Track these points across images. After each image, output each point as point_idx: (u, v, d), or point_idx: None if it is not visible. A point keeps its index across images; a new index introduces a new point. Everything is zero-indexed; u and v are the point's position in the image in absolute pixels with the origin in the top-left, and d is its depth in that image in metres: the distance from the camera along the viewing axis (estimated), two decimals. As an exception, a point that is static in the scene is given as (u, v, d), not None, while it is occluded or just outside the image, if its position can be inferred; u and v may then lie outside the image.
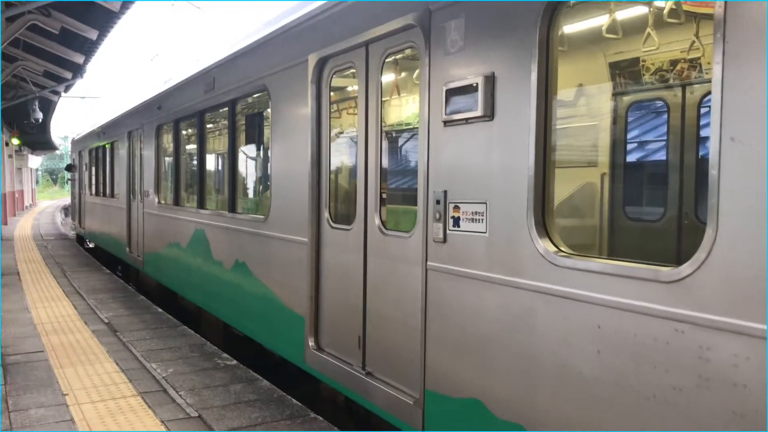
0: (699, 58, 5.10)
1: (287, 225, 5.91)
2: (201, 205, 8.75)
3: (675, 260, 2.61)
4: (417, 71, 4.94)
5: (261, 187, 7.67)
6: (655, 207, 5.80)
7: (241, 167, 8.03)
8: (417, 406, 4.13)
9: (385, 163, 4.74)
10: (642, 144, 6.59)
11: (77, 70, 19.38)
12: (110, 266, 15.22)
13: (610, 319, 2.85)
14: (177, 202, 9.82)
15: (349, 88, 5.93)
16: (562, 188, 4.97)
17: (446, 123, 3.85)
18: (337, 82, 5.45)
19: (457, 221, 3.79)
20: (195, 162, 9.25)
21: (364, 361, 4.82)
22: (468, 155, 3.71)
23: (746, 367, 2.34)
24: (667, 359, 2.60)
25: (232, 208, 7.54)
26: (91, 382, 6.14)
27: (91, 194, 17.98)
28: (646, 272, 2.71)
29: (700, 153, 5.37)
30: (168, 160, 10.61)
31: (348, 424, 5.45)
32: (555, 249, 3.17)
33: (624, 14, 4.73)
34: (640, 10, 4.72)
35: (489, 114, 3.52)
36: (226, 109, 7.72)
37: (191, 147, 9.76)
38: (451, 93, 3.79)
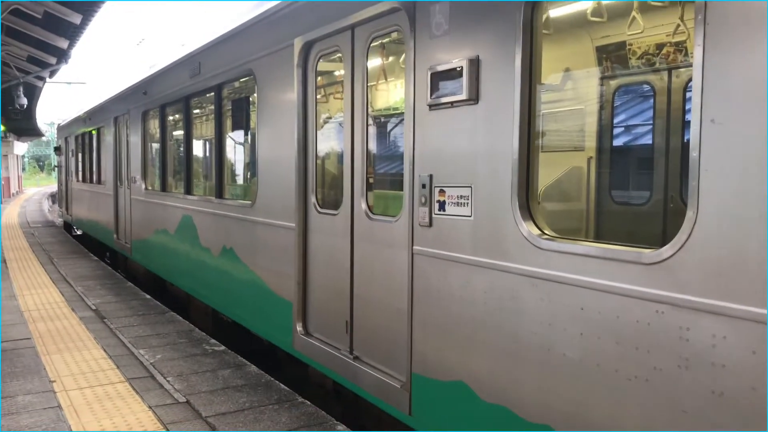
0: (684, 41, 5.11)
1: (274, 210, 5.90)
2: (188, 191, 8.71)
3: (660, 244, 2.62)
4: (403, 55, 4.93)
5: (248, 172, 7.64)
6: (642, 191, 5.83)
7: (228, 153, 7.99)
8: (404, 389, 4.16)
9: (372, 147, 4.73)
10: (629, 128, 6.62)
11: (62, 55, 19.14)
12: (98, 253, 15.15)
13: (593, 301, 2.88)
14: (164, 188, 9.77)
15: (336, 73, 5.91)
16: (549, 172, 4.99)
17: (431, 107, 3.84)
18: (323, 66, 5.42)
19: (442, 205, 3.80)
20: (182, 148, 9.20)
21: (351, 346, 4.84)
22: (453, 139, 3.71)
23: (724, 346, 2.37)
24: (649, 340, 2.63)
25: (220, 194, 7.51)
26: (79, 369, 6.13)
27: (78, 181, 17.85)
28: (627, 254, 2.73)
29: (686, 137, 5.39)
30: (155, 145, 10.54)
31: (336, 407, 5.48)
32: (539, 232, 3.19)
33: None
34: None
35: (474, 98, 3.52)
36: (212, 94, 7.66)
37: (178, 132, 9.70)
38: (436, 77, 3.78)
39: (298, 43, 5.37)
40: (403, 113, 4.38)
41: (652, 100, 5.74)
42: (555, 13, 4.44)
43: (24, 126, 37.05)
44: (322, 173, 5.57)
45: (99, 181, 14.54)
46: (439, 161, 3.83)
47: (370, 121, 4.75)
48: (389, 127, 5.73)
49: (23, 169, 71.32)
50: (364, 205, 4.66)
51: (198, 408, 5.16)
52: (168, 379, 5.86)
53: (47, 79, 24.36)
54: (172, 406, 5.21)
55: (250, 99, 6.94)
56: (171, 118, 9.85)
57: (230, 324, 7.50)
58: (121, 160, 12.20)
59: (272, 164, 5.98)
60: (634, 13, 4.57)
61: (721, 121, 2.37)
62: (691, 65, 5.24)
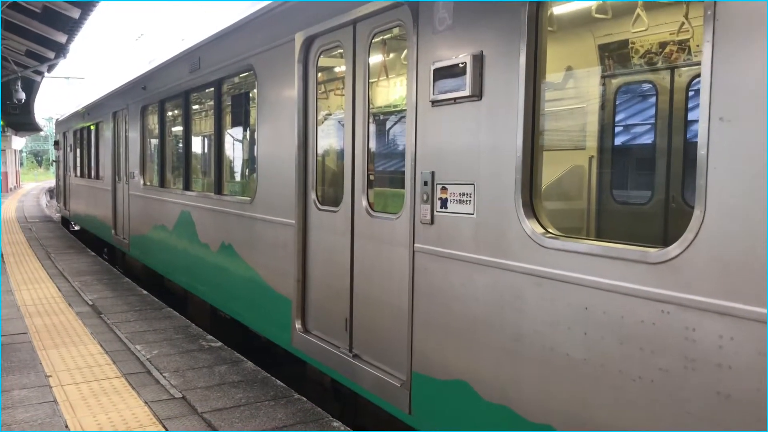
0: (688, 40, 5.08)
1: (274, 207, 5.86)
2: (187, 186, 8.66)
3: (662, 243, 2.59)
4: (405, 52, 4.89)
5: (247, 168, 7.60)
6: (643, 190, 5.80)
7: (228, 148, 7.95)
8: (404, 388, 4.12)
9: (373, 144, 4.69)
10: (630, 127, 6.59)
11: (60, 50, 19.06)
12: (96, 249, 15.09)
13: (597, 301, 2.84)
14: (163, 183, 9.72)
15: (337, 69, 5.86)
16: (549, 171, 4.96)
17: (434, 103, 3.81)
18: (324, 62, 5.38)
19: (444, 202, 3.76)
20: (180, 143, 9.15)
21: (351, 344, 4.80)
22: (456, 136, 3.67)
23: (730, 347, 2.33)
24: (654, 341, 2.60)
25: (219, 190, 7.47)
26: (75, 364, 6.10)
27: (76, 176, 17.78)
28: (633, 253, 2.69)
29: (688, 136, 5.36)
30: (153, 141, 10.49)
31: (334, 405, 5.45)
32: (542, 230, 3.15)
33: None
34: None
35: (477, 94, 3.48)
36: (212, 89, 7.61)
37: (177, 128, 9.65)
38: (439, 72, 3.74)
39: (299, 39, 5.33)
40: (404, 110, 4.34)
41: (654, 99, 5.71)
42: (558, 10, 4.41)
43: (22, 121, 36.91)
44: (322, 170, 5.53)
45: (97, 177, 14.48)
46: (441, 158, 3.79)
47: (372, 118, 4.70)
48: (390, 124, 5.68)
49: (21, 164, 71.16)
50: (364, 202, 4.62)
51: (194, 404, 5.13)
52: (164, 374, 5.83)
53: (45, 74, 24.26)
54: (168, 401, 5.19)
55: (250, 94, 6.90)
56: (170, 113, 9.80)
57: (228, 321, 7.47)
58: (120, 155, 12.14)
59: (272, 160, 5.94)
60: (638, 10, 4.52)
61: (729, 119, 2.34)
62: (694, 64, 5.25)
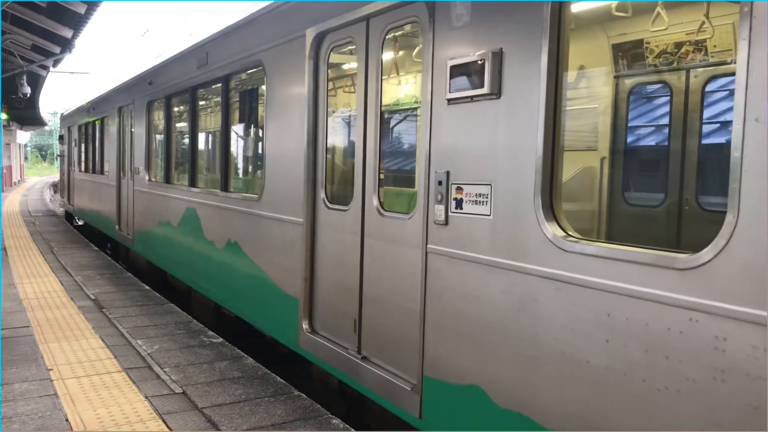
0: (705, 40, 4.98)
1: (282, 205, 5.77)
2: (192, 183, 8.58)
3: (675, 246, 2.49)
4: (418, 49, 4.79)
5: (255, 165, 7.51)
6: (656, 193, 5.70)
7: (235, 145, 7.86)
8: (415, 392, 4.03)
9: (385, 143, 4.60)
10: (644, 128, 6.48)
11: (66, 45, 19.03)
12: (99, 243, 15.03)
13: (620, 307, 2.75)
14: (168, 179, 9.64)
15: (348, 66, 5.77)
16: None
17: (450, 101, 3.71)
18: (335, 58, 5.29)
19: (459, 203, 3.67)
20: (187, 139, 9.07)
21: (359, 345, 4.72)
22: (472, 135, 3.58)
23: (765, 358, 2.24)
24: (681, 350, 2.50)
25: (225, 187, 7.38)
26: (76, 358, 6.05)
27: (80, 171, 17.71)
28: (660, 258, 2.60)
29: (704, 139, 5.26)
30: (159, 137, 10.41)
31: (340, 406, 5.37)
32: (563, 233, 3.06)
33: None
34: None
35: (496, 92, 3.39)
36: (220, 85, 7.53)
37: (183, 124, 9.57)
38: (455, 70, 3.65)
39: (309, 34, 5.24)
40: (417, 108, 4.25)
41: (668, 100, 5.62)
42: (573, 8, 4.31)
43: (27, 115, 36.94)
44: (332, 168, 5.44)
45: (102, 172, 14.41)
46: (456, 157, 3.70)
47: (384, 116, 4.61)
48: (402, 122, 5.60)
49: (25, 158, 71.17)
50: (375, 202, 4.53)
51: (194, 399, 5.09)
52: (165, 369, 5.78)
53: (51, 69, 24.25)
54: (168, 396, 5.14)
55: (259, 91, 6.81)
56: (176, 109, 9.72)
57: (233, 319, 7.39)
58: (125, 150, 12.07)
59: (280, 158, 5.85)
60: (659, 8, 4.43)
61: (765, 120, 2.24)
62: (710, 65, 5.16)
